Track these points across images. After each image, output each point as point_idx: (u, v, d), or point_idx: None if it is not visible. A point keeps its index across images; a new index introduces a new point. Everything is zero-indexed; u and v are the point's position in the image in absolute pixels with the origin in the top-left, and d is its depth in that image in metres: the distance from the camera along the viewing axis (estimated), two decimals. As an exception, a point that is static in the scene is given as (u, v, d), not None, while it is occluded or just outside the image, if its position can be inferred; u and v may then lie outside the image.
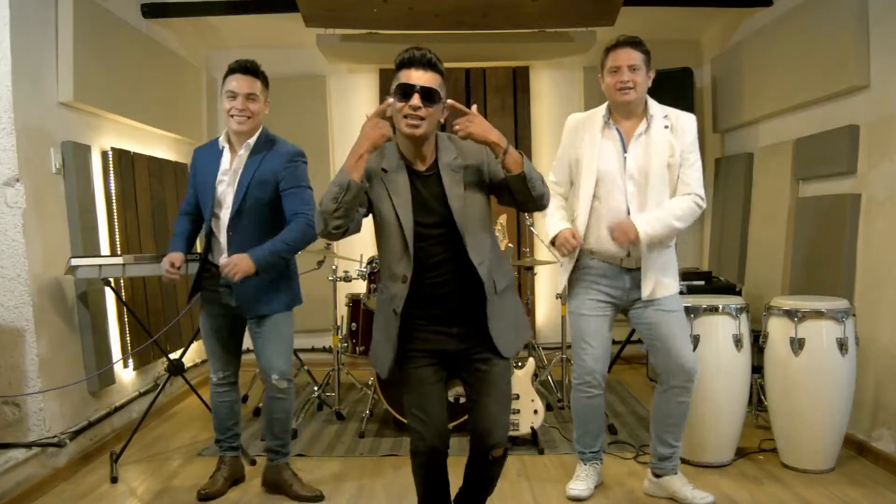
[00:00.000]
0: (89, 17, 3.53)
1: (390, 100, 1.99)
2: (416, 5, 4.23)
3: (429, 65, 2.00)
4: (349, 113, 5.52)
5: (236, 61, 2.78)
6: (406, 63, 2.01)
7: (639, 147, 2.71)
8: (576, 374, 2.86)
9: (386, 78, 5.44)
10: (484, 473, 2.21)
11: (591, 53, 5.11)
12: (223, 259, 2.75)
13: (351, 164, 1.95)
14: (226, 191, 2.81)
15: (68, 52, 3.34)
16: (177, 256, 2.88)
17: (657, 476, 2.87)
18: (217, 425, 3.06)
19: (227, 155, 2.85)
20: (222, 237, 2.82)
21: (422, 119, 1.99)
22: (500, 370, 2.17)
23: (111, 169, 3.80)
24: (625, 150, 2.72)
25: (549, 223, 2.84)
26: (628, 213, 2.69)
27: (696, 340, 3.11)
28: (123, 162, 3.93)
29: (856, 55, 3.34)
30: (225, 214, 2.80)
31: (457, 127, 1.99)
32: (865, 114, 3.37)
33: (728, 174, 4.82)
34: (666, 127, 2.70)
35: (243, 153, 2.81)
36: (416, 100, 1.97)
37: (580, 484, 2.89)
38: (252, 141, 2.81)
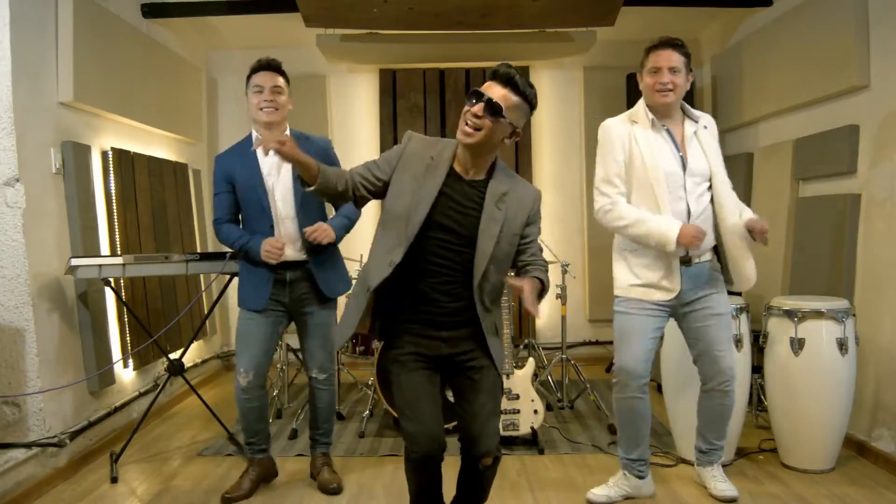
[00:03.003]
0: (89, 17, 3.53)
1: None
2: (416, 5, 4.23)
3: (509, 83, 2.01)
4: (349, 113, 5.53)
5: (259, 60, 2.93)
6: (490, 76, 2.05)
7: (695, 148, 2.72)
8: (615, 374, 2.82)
9: (386, 78, 5.45)
10: (475, 482, 2.20)
11: (591, 53, 5.12)
12: (309, 228, 2.85)
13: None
14: (275, 184, 2.90)
15: (68, 52, 3.34)
16: (276, 239, 2.87)
17: (698, 464, 2.93)
18: (245, 428, 3.00)
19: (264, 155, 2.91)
20: (284, 227, 2.89)
21: (477, 129, 2.00)
22: (491, 378, 2.17)
23: (111, 169, 3.80)
24: (678, 150, 2.70)
25: (653, 225, 2.61)
26: (688, 213, 2.65)
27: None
28: (123, 162, 3.93)
29: (856, 55, 3.34)
30: (284, 206, 2.89)
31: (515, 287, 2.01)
32: (865, 114, 3.37)
33: (728, 174, 4.80)
34: (705, 127, 2.76)
35: None
36: (478, 108, 1.98)
37: (601, 490, 2.84)
38: (288, 134, 2.92)
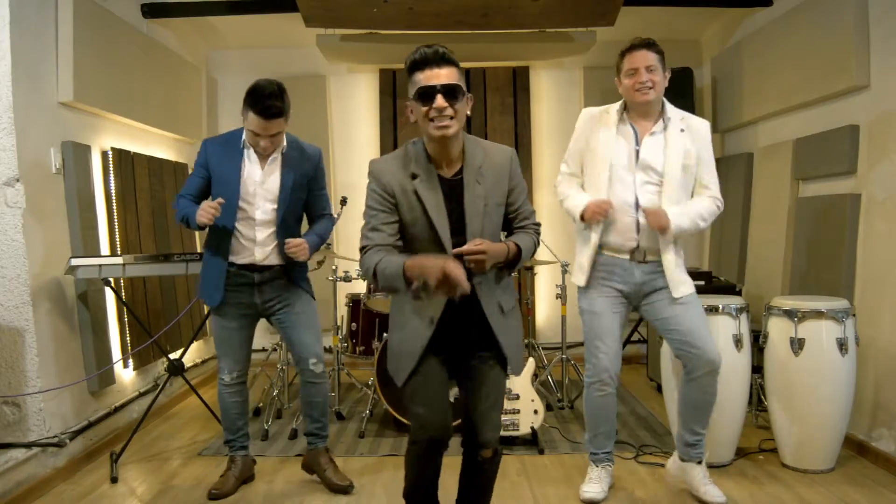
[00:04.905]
0: (89, 17, 3.53)
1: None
2: (416, 5, 4.23)
3: (443, 60, 1.93)
4: (349, 113, 5.53)
5: (258, 94, 2.70)
6: (419, 64, 1.94)
7: (653, 143, 2.75)
8: (589, 372, 2.86)
9: (386, 78, 5.45)
10: (475, 477, 2.18)
11: (591, 53, 5.12)
12: (291, 241, 2.87)
13: (417, 273, 1.87)
14: (256, 191, 2.88)
15: (68, 52, 3.34)
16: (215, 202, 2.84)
17: (682, 460, 2.90)
18: (227, 426, 3.06)
19: (253, 157, 2.91)
20: (260, 231, 2.89)
21: (451, 118, 1.93)
22: (498, 373, 2.14)
23: (111, 169, 3.80)
24: (637, 144, 2.76)
25: (572, 201, 2.84)
26: (636, 206, 2.72)
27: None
28: (123, 162, 3.93)
29: (856, 55, 3.34)
30: (263, 213, 2.89)
31: (471, 266, 1.95)
32: (865, 114, 3.37)
33: (728, 174, 4.81)
34: (682, 130, 2.75)
35: (276, 156, 2.91)
36: (440, 101, 1.91)
37: (594, 486, 2.87)
38: (285, 144, 2.92)
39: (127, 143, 4.05)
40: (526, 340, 4.74)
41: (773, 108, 4.23)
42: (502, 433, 3.42)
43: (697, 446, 2.87)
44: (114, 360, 3.63)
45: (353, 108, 5.54)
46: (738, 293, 4.04)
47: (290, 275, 2.96)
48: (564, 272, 4.17)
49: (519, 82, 5.50)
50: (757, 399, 3.72)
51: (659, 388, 4.28)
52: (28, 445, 2.96)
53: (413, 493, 2.20)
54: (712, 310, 3.15)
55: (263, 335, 3.03)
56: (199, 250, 4.89)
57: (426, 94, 1.92)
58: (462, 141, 2.05)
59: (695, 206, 2.74)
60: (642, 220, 2.72)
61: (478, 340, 2.11)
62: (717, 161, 5.13)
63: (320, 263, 4.28)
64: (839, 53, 3.46)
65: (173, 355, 3.69)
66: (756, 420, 3.72)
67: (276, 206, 2.89)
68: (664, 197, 2.72)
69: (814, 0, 3.72)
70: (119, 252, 3.78)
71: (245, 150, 2.91)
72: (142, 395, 3.98)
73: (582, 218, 2.78)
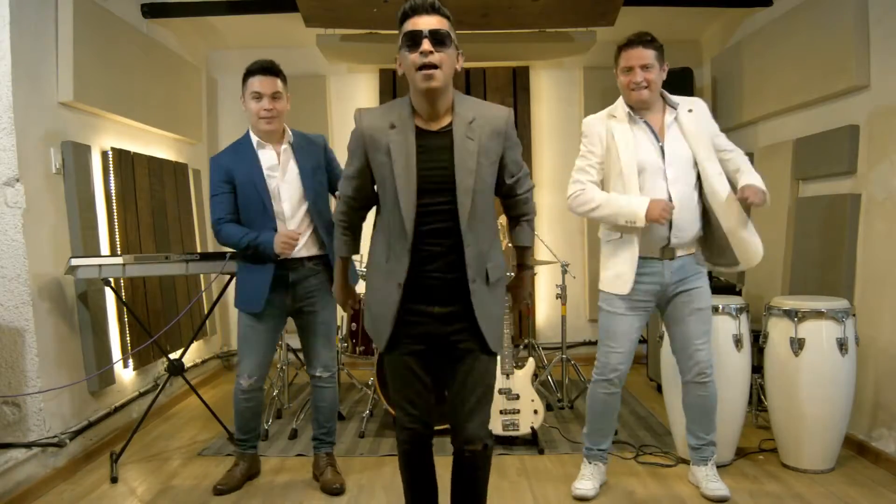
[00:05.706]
0: (89, 17, 3.53)
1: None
2: (416, 5, 4.23)
3: (433, 9, 1.89)
4: (349, 113, 5.47)
5: (256, 62, 2.88)
6: (408, 13, 1.90)
7: (674, 136, 2.73)
8: (598, 370, 2.86)
9: (386, 78, 5.45)
10: (465, 474, 2.11)
11: (591, 53, 5.12)
12: (289, 229, 2.87)
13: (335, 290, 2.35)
14: (279, 185, 2.89)
15: (68, 52, 3.34)
16: (292, 231, 2.86)
17: (693, 463, 2.95)
18: (241, 426, 3.05)
19: (269, 152, 2.92)
20: (289, 227, 2.88)
21: (436, 67, 1.86)
22: (483, 364, 2.05)
23: (111, 169, 3.80)
24: (658, 141, 2.73)
25: (619, 204, 2.67)
26: (669, 201, 2.67)
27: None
28: (123, 162, 3.93)
29: (856, 55, 3.34)
30: (290, 206, 2.89)
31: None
32: (865, 114, 3.37)
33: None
34: (690, 111, 2.76)
35: (287, 147, 2.94)
36: (426, 44, 1.85)
37: (586, 483, 2.89)
38: (290, 134, 2.96)
39: (127, 143, 4.05)
40: (526, 340, 4.74)
41: (773, 108, 4.23)
42: (503, 433, 3.43)
43: (702, 450, 2.89)
44: (114, 360, 3.63)
45: (352, 108, 5.42)
46: (738, 293, 4.04)
47: (326, 274, 2.95)
48: (564, 272, 4.18)
49: (519, 82, 5.50)
50: (757, 399, 3.72)
51: (659, 388, 4.28)
52: (28, 445, 2.96)
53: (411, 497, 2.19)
54: (712, 310, 3.14)
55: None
56: (198, 250, 4.90)
57: (413, 40, 1.87)
58: (451, 96, 1.99)
59: (755, 174, 2.72)
60: (676, 214, 2.67)
61: (454, 322, 2.00)
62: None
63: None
64: (839, 53, 3.46)
65: (173, 355, 3.69)
66: (756, 420, 3.72)
67: (302, 193, 2.90)
68: (706, 181, 2.69)
69: (814, 0, 3.72)
70: (119, 252, 3.78)
71: (258, 151, 2.91)
72: (142, 395, 3.98)
73: (646, 219, 2.62)
